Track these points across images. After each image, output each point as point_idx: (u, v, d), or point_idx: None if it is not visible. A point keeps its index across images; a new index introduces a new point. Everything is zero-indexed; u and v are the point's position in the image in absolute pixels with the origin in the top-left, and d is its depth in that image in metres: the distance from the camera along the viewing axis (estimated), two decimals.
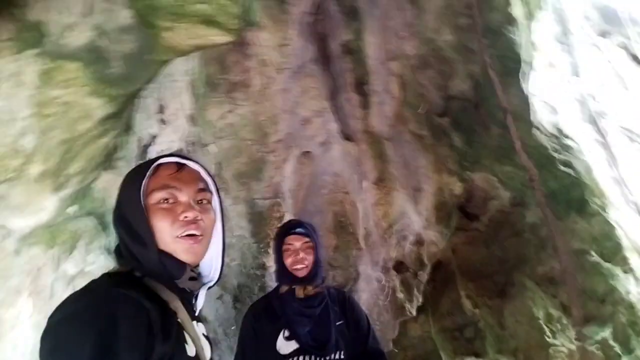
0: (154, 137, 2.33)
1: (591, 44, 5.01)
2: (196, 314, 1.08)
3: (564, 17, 4.69)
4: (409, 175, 3.69)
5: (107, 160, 1.87)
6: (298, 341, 1.78)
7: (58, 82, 1.42)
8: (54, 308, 1.58)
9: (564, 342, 3.35)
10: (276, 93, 3.28)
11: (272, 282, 2.81)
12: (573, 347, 3.30)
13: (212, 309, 2.60)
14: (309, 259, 1.90)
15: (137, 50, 1.50)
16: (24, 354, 1.60)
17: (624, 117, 4.43)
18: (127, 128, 2.05)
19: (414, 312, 3.61)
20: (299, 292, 1.89)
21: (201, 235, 1.03)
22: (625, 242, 3.38)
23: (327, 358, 1.77)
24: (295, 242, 1.92)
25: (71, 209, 1.70)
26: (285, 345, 1.78)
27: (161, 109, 2.43)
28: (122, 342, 0.80)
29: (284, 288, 1.93)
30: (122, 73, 1.51)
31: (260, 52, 3.27)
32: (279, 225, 2.94)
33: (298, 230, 1.95)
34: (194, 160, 1.11)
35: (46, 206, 1.61)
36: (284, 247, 1.93)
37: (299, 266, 1.88)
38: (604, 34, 5.25)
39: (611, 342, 3.18)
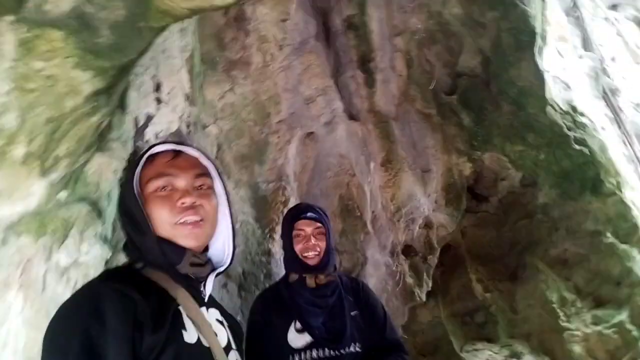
0: (150, 117, 2.17)
1: (602, 17, 4.84)
2: (205, 300, 1.08)
3: None
4: (417, 156, 3.56)
5: (101, 142, 1.73)
6: (311, 334, 1.66)
7: (40, 53, 1.27)
8: (46, 302, 1.47)
9: (579, 326, 3.26)
10: (277, 71, 3.11)
11: (277, 269, 2.69)
12: (589, 331, 3.21)
13: (216, 298, 2.49)
14: (321, 245, 1.77)
15: (128, 17, 1.35)
16: (15, 352, 1.48)
17: (637, 92, 4.29)
18: (121, 107, 1.90)
19: (424, 298, 3.52)
20: (310, 281, 1.76)
21: (201, 220, 1.04)
22: None
23: (342, 351, 1.64)
24: (306, 227, 1.79)
25: (62, 194, 1.55)
26: (297, 338, 1.66)
27: (157, 88, 2.27)
28: (109, 335, 0.82)
29: (294, 277, 1.80)
30: (112, 42, 1.36)
31: (260, 28, 3.10)
32: (284, 209, 2.82)
33: (309, 214, 1.81)
34: (191, 146, 1.12)
35: (34, 191, 1.46)
36: (294, 232, 1.80)
37: (310, 253, 1.75)
38: (614, 7, 5.07)
39: (628, 326, 3.09)
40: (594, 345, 3.22)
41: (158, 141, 2.04)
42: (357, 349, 1.68)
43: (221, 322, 1.10)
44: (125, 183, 1.08)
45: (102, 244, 1.70)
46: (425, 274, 3.50)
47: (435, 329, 3.70)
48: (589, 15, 4.61)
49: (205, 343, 0.97)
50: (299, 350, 1.64)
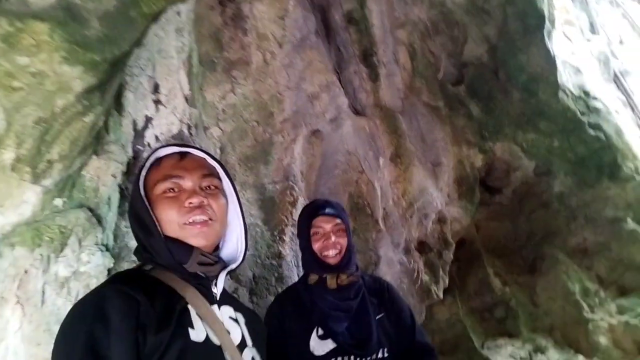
0: (149, 119, 2.08)
1: None
2: (217, 298, 1.07)
3: None
4: (427, 150, 3.45)
5: (97, 145, 1.64)
6: (335, 340, 1.54)
7: (24, 48, 1.17)
8: (46, 316, 1.50)
9: (603, 317, 3.14)
10: (278, 69, 3.02)
11: (288, 272, 2.59)
12: (614, 321, 3.09)
13: None
14: (342, 242, 1.66)
15: (119, 5, 1.25)
16: None
17: None
18: (118, 109, 1.81)
19: (441, 295, 3.39)
20: (331, 282, 1.63)
21: (210, 219, 1.06)
22: None
23: (369, 358, 1.53)
24: (325, 224, 1.67)
25: (58, 201, 1.46)
26: (319, 345, 1.55)
27: (155, 89, 2.19)
28: (112, 336, 0.83)
29: (313, 278, 1.68)
30: (102, 34, 1.26)
31: (258, 26, 3.02)
32: (292, 210, 2.72)
33: (328, 210, 1.69)
34: (197, 148, 1.15)
35: (28, 198, 1.37)
36: (312, 230, 1.68)
37: (331, 252, 1.64)
38: None
39: None
40: (621, 335, 3.11)
41: (159, 144, 1.97)
42: (385, 354, 1.57)
43: (235, 320, 1.10)
44: (133, 187, 1.11)
45: (104, 252, 1.60)
46: (441, 271, 3.38)
47: (454, 327, 3.57)
48: None
49: (216, 341, 0.97)
50: (321, 358, 1.53)
